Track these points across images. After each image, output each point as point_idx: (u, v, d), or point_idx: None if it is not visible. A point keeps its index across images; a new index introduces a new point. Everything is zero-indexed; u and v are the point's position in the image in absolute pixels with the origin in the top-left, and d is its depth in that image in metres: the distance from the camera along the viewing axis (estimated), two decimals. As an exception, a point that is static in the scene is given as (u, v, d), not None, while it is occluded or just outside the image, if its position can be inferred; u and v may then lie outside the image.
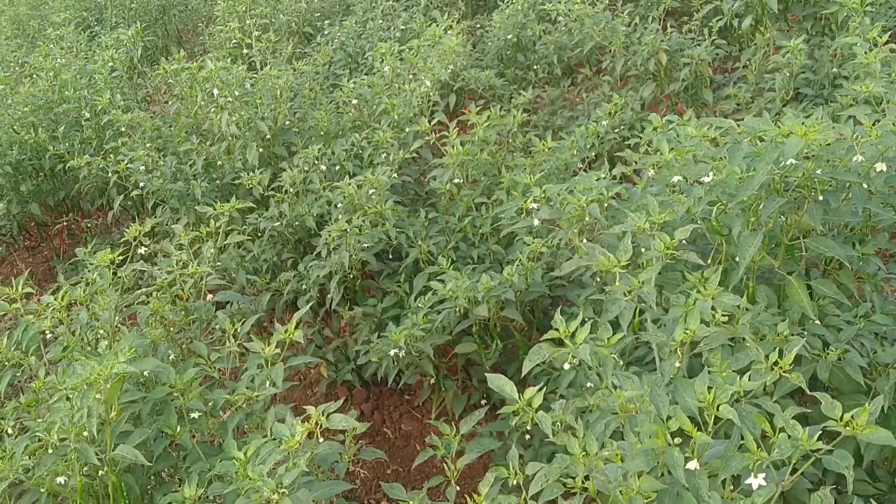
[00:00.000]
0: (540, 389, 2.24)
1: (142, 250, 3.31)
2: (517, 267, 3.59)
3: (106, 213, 7.31)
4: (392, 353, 3.46)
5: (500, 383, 2.28)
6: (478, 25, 7.91)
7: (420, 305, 3.74)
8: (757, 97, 5.60)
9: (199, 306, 3.30)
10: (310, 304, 4.15)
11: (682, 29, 6.13)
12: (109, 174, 5.15)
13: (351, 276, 4.41)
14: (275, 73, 5.25)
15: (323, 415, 2.25)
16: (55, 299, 2.94)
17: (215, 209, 3.81)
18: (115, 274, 3.17)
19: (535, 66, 7.10)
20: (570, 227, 2.84)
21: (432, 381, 4.17)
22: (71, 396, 2.47)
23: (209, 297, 3.39)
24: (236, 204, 3.79)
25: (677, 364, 2.22)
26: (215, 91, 4.97)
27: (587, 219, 2.80)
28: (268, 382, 2.82)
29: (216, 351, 3.07)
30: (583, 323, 2.30)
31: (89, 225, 7.10)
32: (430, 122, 4.99)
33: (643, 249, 2.97)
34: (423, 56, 5.52)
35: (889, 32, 5.65)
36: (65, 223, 7.12)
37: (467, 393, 4.29)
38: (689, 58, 5.78)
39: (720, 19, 5.98)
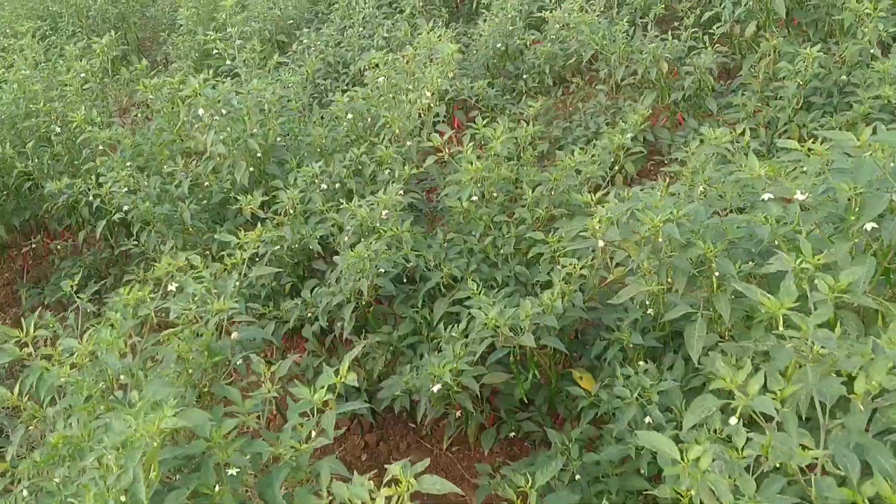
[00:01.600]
0: (705, 450, 1.94)
1: (173, 287, 2.98)
2: (558, 291, 3.36)
3: (75, 234, 6.88)
4: (435, 389, 3.19)
5: (653, 441, 1.98)
6: (461, 34, 7.67)
7: (454, 335, 3.49)
8: (763, 106, 5.47)
9: (223, 346, 2.99)
10: (331, 333, 3.85)
11: (681, 37, 5.98)
12: (91, 197, 4.76)
13: (363, 303, 4.14)
14: (262, 87, 4.93)
15: (409, 475, 1.97)
16: (78, 343, 2.60)
17: (239, 238, 3.49)
18: (134, 313, 2.84)
19: (524, 76, 6.90)
20: (640, 250, 2.61)
21: (458, 413, 3.91)
22: (104, 456, 2.16)
23: (233, 335, 3.08)
24: (262, 232, 3.48)
25: (861, 419, 1.97)
26: (201, 111, 4.63)
27: (659, 240, 2.58)
28: (313, 432, 2.54)
29: (249, 396, 2.77)
30: (755, 370, 2.02)
31: (58, 246, 6.66)
32: (430, 134, 4.74)
33: (716, 273, 2.76)
34: (418, 64, 5.26)
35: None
36: (32, 245, 6.67)
37: (496, 425, 4.03)
38: (693, 66, 5.63)
39: (720, 25, 5.86)
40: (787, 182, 2.41)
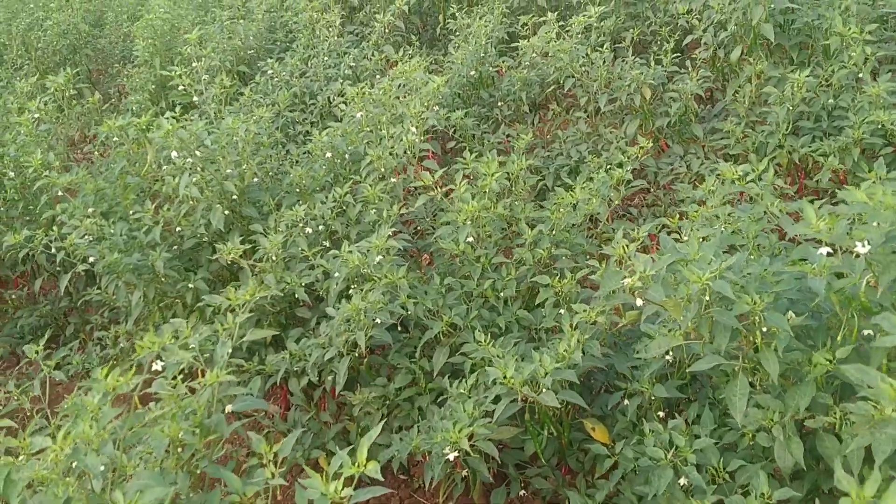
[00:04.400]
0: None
1: (159, 365, 2.68)
2: (574, 341, 3.14)
3: (30, 281, 6.47)
4: (451, 456, 2.93)
5: None
6: (432, 61, 7.46)
7: (462, 391, 3.24)
8: (749, 131, 5.36)
9: (217, 421, 2.70)
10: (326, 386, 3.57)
11: (662, 62, 5.85)
12: (53, 250, 4.41)
13: (357, 354, 3.87)
14: (236, 125, 4.63)
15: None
16: (54, 441, 2.27)
17: (230, 299, 3.19)
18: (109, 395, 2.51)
19: (499, 103, 6.71)
20: (685, 310, 2.39)
21: (464, 473, 3.65)
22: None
23: (227, 407, 2.79)
24: (257, 291, 3.19)
25: None
26: (174, 154, 4.32)
27: (707, 297, 2.38)
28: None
29: (249, 481, 2.48)
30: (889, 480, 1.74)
31: (12, 296, 6.24)
32: (419, 172, 4.52)
33: (763, 328, 2.56)
34: (397, 96, 5.03)
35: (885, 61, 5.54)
36: (-16, 298, 6.25)
37: (506, 482, 3.78)
38: (677, 92, 5.50)
39: (703, 50, 5.75)
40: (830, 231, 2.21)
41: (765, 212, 3.04)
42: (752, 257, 3.09)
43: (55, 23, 9.61)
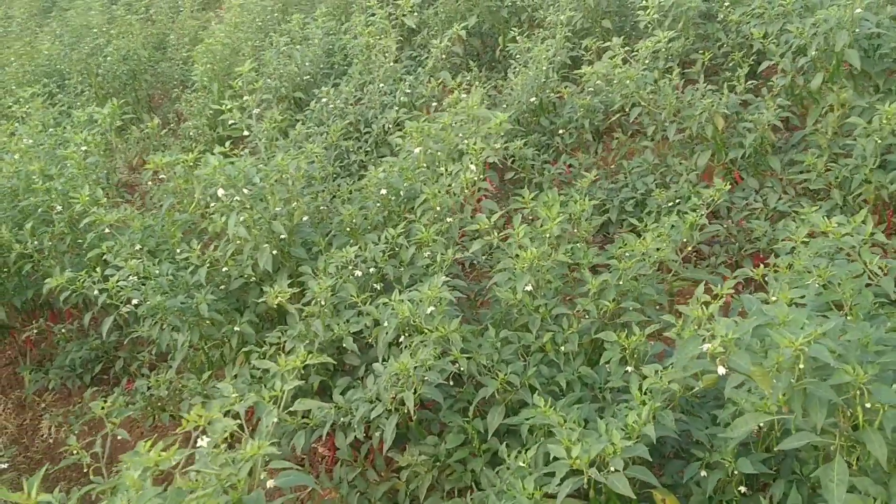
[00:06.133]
0: None
1: (203, 442, 2.47)
2: (646, 412, 2.83)
3: (81, 312, 6.40)
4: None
5: None
6: (492, 86, 7.20)
7: (521, 465, 2.95)
8: (831, 164, 4.96)
9: (257, 499, 2.47)
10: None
11: (736, 89, 5.49)
12: (96, 292, 4.27)
13: (405, 412, 3.62)
14: (285, 163, 4.41)
15: None
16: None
17: (279, 365, 2.98)
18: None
19: (560, 131, 6.41)
20: (776, 380, 2.07)
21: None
22: None
23: (269, 483, 2.57)
24: (307, 358, 2.97)
25: None
26: (220, 191, 4.15)
27: (801, 366, 2.05)
28: None
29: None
30: None
31: (63, 330, 6.17)
32: (475, 214, 4.27)
33: (866, 404, 2.23)
34: (456, 131, 4.78)
35: None
36: (35, 329, 6.18)
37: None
38: (753, 123, 5.13)
39: (781, 77, 5.37)
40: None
41: (864, 270, 2.69)
42: (849, 318, 2.75)
43: (116, 49, 9.65)
